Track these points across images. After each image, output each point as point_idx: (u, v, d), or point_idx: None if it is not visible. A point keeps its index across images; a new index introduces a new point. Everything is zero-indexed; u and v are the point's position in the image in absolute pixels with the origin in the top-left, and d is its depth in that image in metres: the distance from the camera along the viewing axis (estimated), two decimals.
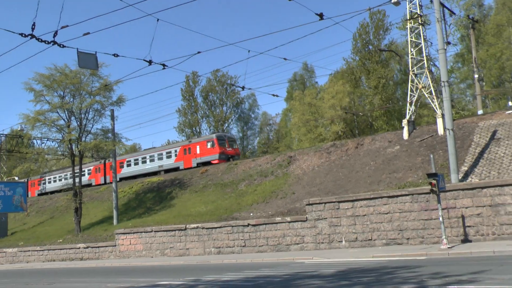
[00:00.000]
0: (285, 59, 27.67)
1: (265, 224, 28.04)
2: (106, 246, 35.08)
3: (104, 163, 57.99)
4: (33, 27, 14.64)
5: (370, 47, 57.85)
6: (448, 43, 34.03)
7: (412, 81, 33.89)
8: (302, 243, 26.73)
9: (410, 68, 34.12)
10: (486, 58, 52.04)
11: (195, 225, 30.77)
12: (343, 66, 62.20)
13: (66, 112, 41.31)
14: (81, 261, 35.31)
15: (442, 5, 32.54)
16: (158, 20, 18.75)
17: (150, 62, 18.61)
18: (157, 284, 17.39)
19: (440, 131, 31.11)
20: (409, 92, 34.15)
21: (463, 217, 22.53)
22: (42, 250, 38.86)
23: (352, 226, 25.34)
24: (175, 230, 31.55)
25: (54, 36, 15.31)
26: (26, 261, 39.11)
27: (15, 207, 51.62)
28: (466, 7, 55.34)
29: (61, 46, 15.89)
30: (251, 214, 31.20)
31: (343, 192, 29.19)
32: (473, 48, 40.56)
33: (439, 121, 31.27)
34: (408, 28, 34.33)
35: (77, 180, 42.57)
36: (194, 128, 79.06)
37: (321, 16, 18.22)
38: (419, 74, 33.74)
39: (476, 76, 39.82)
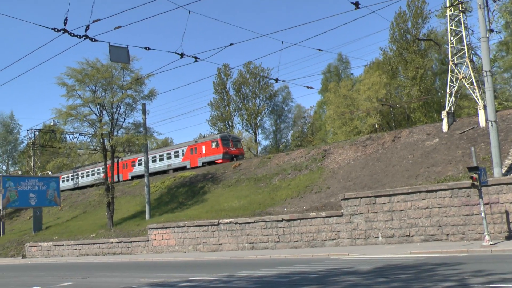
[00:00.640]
0: (319, 50, 27.46)
1: (300, 219, 28.01)
2: (139, 241, 35.61)
3: (118, 162, 59.49)
4: (65, 21, 14.89)
5: (408, 36, 56.96)
6: (491, 30, 33.12)
7: (452, 71, 33.28)
8: (337, 239, 26.63)
9: (449, 58, 33.49)
10: None
11: (228, 220, 30.95)
12: (380, 56, 61.55)
13: (98, 107, 41.96)
14: (114, 256, 35.93)
15: None
16: (189, 12, 18.83)
17: (182, 55, 18.69)
18: (190, 279, 17.58)
19: (482, 123, 30.49)
20: (448, 83, 33.55)
21: (507, 212, 22.07)
22: (76, 245, 39.70)
23: (389, 221, 25.11)
24: (208, 225, 31.79)
25: (86, 30, 15.55)
26: (61, 255, 40.01)
27: (49, 201, 52.88)
28: None
29: (93, 40, 16.12)
30: (285, 209, 31.21)
31: (379, 186, 28.94)
32: None
33: (481, 112, 30.63)
34: (448, 16, 33.68)
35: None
36: (226, 122, 79.36)
37: (356, 5, 18.00)
38: (459, 64, 33.10)
39: None
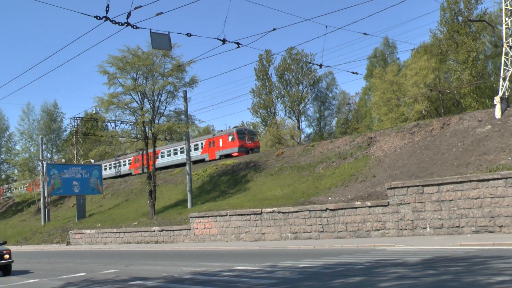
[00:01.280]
0: (365, 34, 26.94)
1: (344, 208, 27.86)
2: (181, 230, 36.12)
3: (142, 154, 62.04)
4: (107, 9, 15.11)
5: (460, 18, 55.49)
6: None
7: (507, 54, 32.29)
8: (383, 229, 26.38)
9: (504, 40, 32.50)
10: None
11: (271, 209, 31.03)
12: (429, 39, 60.25)
13: (139, 95, 42.58)
14: (156, 244, 36.59)
15: None
16: None
17: (224, 41, 18.69)
18: (233, 269, 17.73)
19: None
20: (502, 67, 32.60)
21: None
22: (118, 232, 40.61)
23: (438, 211, 24.70)
24: (250, 214, 31.96)
25: (127, 18, 15.74)
26: (104, 243, 41.01)
27: (92, 189, 54.24)
28: None
29: (134, 27, 16.30)
30: (329, 198, 31.10)
31: (427, 175, 28.46)
32: None
33: None
34: None
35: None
36: (268, 109, 79.42)
37: None
38: None
39: None
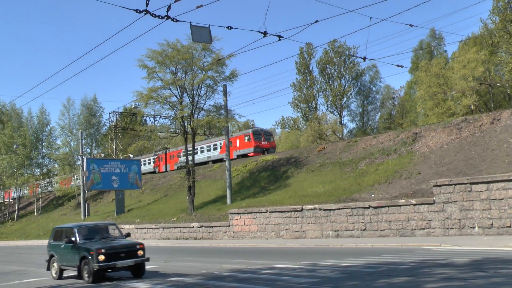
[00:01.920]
0: (410, 25, 26.38)
1: (388, 206, 27.55)
2: (220, 226, 36.35)
3: (165, 153, 68.47)
4: (147, 2, 15.26)
5: None
6: None
7: None
8: (428, 228, 25.98)
9: None
10: None
11: (312, 206, 30.94)
12: (478, 30, 58.97)
13: (178, 89, 42.93)
14: (195, 240, 36.94)
15: None
16: None
17: (265, 33, 18.64)
18: (273, 266, 17.77)
19: None
20: None
21: None
22: (157, 228, 41.17)
23: (487, 210, 24.16)
24: (291, 211, 31.94)
25: (167, 11, 15.86)
26: (142, 238, 41.60)
27: (131, 184, 55.10)
28: None
29: (175, 20, 16.42)
30: (372, 195, 30.79)
31: (476, 172, 27.86)
32: None
33: None
34: None
35: (190, 158, 44.43)
36: (309, 104, 79.08)
37: None
38: None
39: None
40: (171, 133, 50.10)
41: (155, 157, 71.07)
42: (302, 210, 31.27)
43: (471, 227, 24.64)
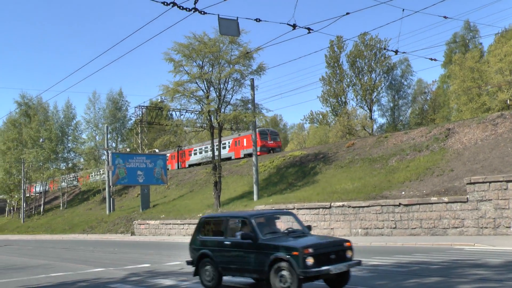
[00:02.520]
0: (444, 17, 25.99)
1: (419, 204, 27.29)
2: None
3: (178, 151, 71.30)
4: None
5: None
6: None
7: None
8: (461, 227, 25.67)
9: None
10: None
11: (340, 203, 30.81)
12: None
13: (205, 83, 43.02)
14: None
15: None
16: None
17: (294, 26, 18.50)
18: None
19: None
20: None
21: None
22: (183, 224, 41.40)
23: None
24: (319, 208, 31.85)
25: (195, 3, 15.86)
26: (168, 234, 41.96)
27: (156, 179, 55.54)
28: None
29: (202, 13, 16.43)
30: (403, 192, 30.55)
31: None
32: None
33: None
34: None
35: (216, 153, 44.60)
36: (339, 98, 78.72)
37: None
38: None
39: None
40: (197, 128, 50.31)
41: (175, 152, 72.75)
42: (330, 207, 31.17)
43: (506, 227, 24.29)
